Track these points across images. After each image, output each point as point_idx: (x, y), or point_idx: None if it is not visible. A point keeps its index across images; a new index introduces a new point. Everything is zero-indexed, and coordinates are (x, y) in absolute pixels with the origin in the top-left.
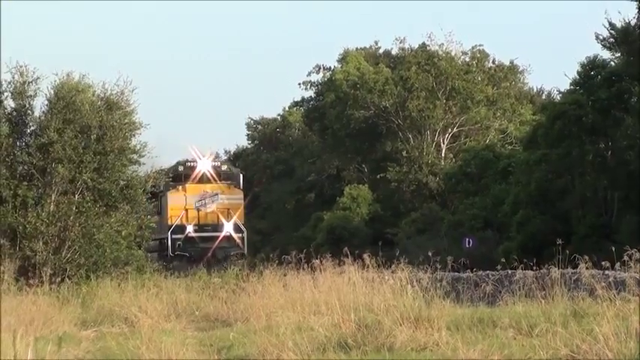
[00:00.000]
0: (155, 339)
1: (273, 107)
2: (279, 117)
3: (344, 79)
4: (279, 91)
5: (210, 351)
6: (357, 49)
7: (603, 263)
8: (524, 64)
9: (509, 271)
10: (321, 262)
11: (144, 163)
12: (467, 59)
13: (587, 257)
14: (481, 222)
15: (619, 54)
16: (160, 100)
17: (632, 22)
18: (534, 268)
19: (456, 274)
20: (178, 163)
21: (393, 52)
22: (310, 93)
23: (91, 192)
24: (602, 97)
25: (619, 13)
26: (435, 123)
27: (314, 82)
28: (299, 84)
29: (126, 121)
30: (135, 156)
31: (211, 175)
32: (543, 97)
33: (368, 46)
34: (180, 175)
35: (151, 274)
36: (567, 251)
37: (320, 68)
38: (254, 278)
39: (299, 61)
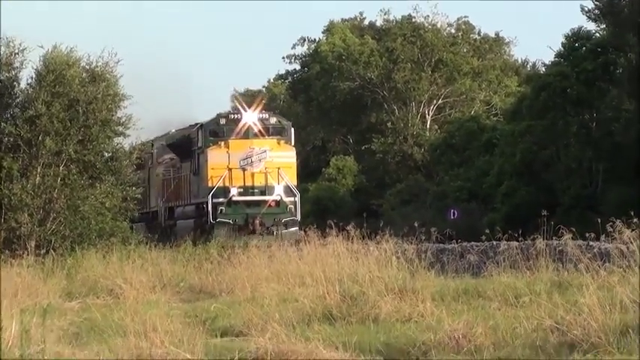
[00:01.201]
0: (140, 310)
1: (258, 80)
2: (263, 89)
3: (329, 50)
4: (263, 64)
5: (195, 322)
6: (342, 20)
7: (588, 234)
8: (509, 36)
9: (494, 243)
10: (305, 233)
11: (129, 135)
12: (452, 31)
13: (572, 228)
14: (466, 193)
15: (604, 25)
16: (142, 72)
17: None
18: (519, 239)
19: (441, 245)
20: (219, 116)
21: (378, 24)
22: (295, 66)
23: (76, 164)
24: (588, 69)
25: None
26: (420, 95)
27: (298, 55)
28: (283, 58)
29: (110, 92)
30: (120, 128)
31: (258, 129)
32: (528, 68)
33: (353, 17)
34: (221, 129)
35: (136, 245)
36: (552, 222)
37: (305, 40)
38: (239, 249)
39: (284, 33)
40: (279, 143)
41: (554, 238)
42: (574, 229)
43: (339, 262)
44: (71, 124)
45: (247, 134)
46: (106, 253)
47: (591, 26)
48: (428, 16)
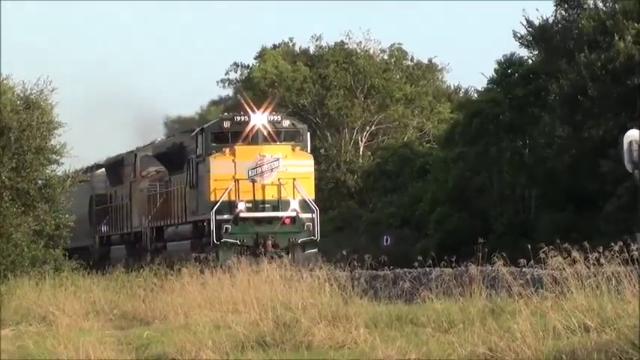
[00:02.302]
0: (73, 338)
1: (191, 106)
2: (197, 116)
3: (262, 77)
4: (196, 90)
5: (128, 349)
6: (274, 46)
7: (520, 261)
8: (442, 62)
9: (427, 269)
10: (238, 259)
11: (63, 163)
12: (385, 57)
13: (505, 255)
14: (399, 220)
15: (537, 52)
16: (73, 98)
17: (550, 20)
18: (452, 265)
19: (374, 271)
20: (222, 118)
21: (311, 51)
22: (228, 91)
23: (9, 191)
24: (519, 95)
25: (537, 10)
26: (353, 121)
27: (232, 80)
28: (217, 82)
29: (45, 120)
30: (54, 155)
31: (269, 133)
32: (461, 95)
33: (284, 43)
34: (225, 133)
35: (69, 272)
36: (485, 249)
37: (238, 66)
38: (172, 276)
39: (216, 59)
40: (293, 150)
41: (487, 264)
42: (507, 256)
43: (272, 288)
44: (4, 151)
45: (256, 139)
46: (39, 281)
47: (524, 52)
48: (360, 42)
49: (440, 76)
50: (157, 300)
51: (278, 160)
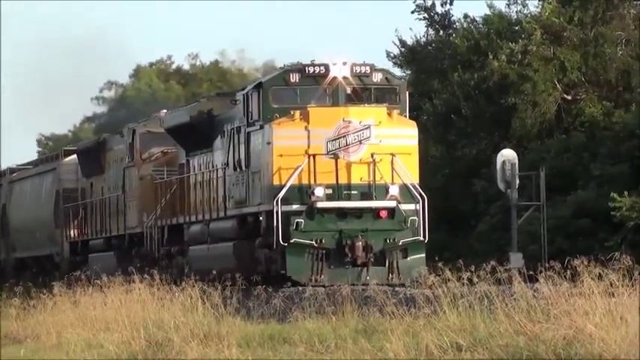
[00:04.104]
0: None
1: (65, 123)
2: (70, 133)
3: (136, 95)
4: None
5: None
6: (150, 64)
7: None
8: None
9: (300, 288)
10: (109, 278)
11: None
12: (259, 75)
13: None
14: None
15: (410, 71)
16: None
17: (422, 40)
18: (325, 285)
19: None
20: (288, 70)
21: (186, 68)
22: (103, 109)
23: None
24: None
25: (410, 29)
26: None
27: (107, 98)
28: (92, 99)
29: None
30: None
31: (354, 91)
32: None
33: (161, 61)
34: (293, 90)
35: None
36: None
37: (112, 84)
38: (43, 294)
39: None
40: (390, 114)
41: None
42: None
43: (144, 307)
44: None
45: (338, 98)
46: None
47: (397, 72)
48: (235, 60)
49: None
50: (29, 318)
51: (369, 128)
